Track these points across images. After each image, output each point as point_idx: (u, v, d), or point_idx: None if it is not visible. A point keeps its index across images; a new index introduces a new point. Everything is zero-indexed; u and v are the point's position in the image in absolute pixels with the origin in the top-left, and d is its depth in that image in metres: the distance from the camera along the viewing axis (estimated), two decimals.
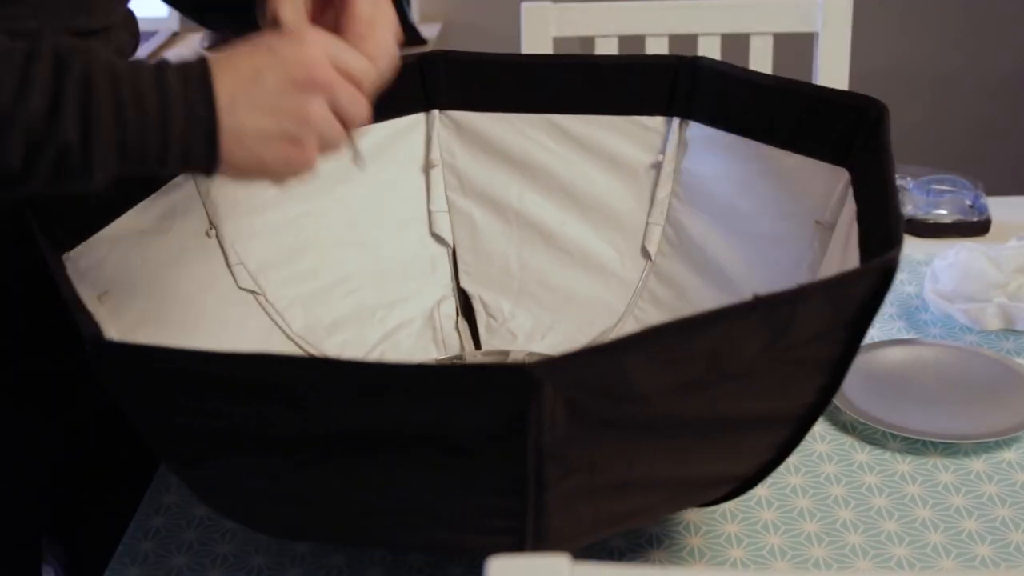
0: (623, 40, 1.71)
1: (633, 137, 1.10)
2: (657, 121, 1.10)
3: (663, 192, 1.10)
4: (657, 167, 1.10)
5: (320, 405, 0.66)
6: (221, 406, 0.68)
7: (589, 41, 1.72)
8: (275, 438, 0.69)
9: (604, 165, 1.11)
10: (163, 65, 0.72)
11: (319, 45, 0.75)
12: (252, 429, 0.68)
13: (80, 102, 0.69)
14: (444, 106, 1.12)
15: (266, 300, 1.03)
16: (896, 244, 0.72)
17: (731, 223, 1.06)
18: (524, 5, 1.68)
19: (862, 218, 0.88)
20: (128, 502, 0.95)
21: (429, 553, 0.86)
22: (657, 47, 1.70)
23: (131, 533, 0.90)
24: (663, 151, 1.10)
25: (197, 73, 0.72)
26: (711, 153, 1.07)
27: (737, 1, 1.69)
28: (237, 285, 1.01)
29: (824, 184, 0.98)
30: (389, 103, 0.98)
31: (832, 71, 1.68)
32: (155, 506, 0.93)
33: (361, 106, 0.77)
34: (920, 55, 2.70)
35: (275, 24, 0.81)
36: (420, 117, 1.12)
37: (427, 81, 1.11)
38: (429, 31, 2.67)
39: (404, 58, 1.09)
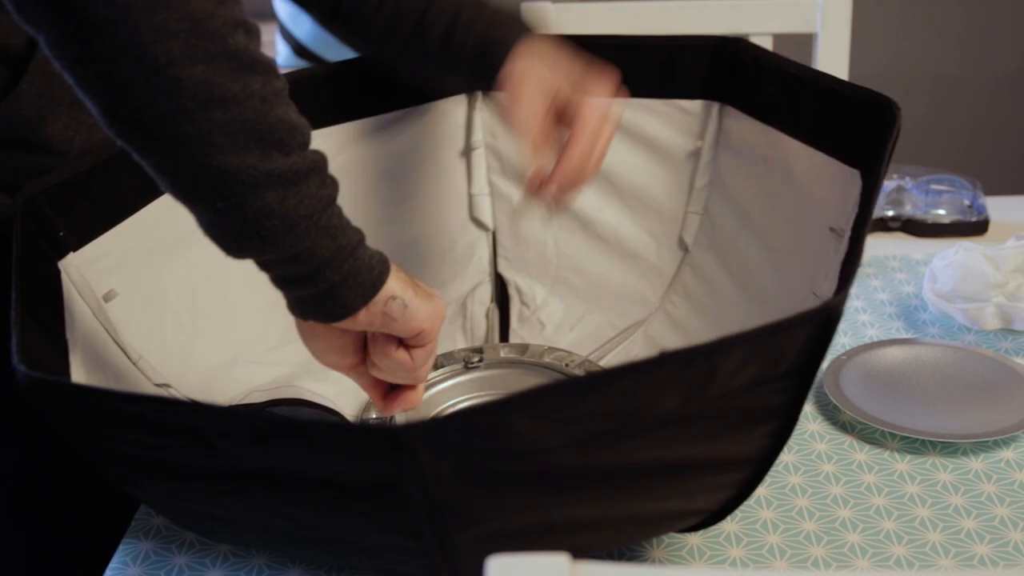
0: None
1: (672, 121, 1.07)
2: (696, 105, 1.07)
3: (702, 181, 1.07)
4: (696, 154, 1.08)
5: (224, 447, 0.66)
6: (140, 439, 0.68)
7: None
8: (193, 469, 0.70)
9: (643, 150, 1.09)
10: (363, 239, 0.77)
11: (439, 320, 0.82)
12: (171, 461, 0.69)
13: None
14: (486, 88, 1.10)
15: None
16: (842, 290, 0.67)
17: (757, 219, 1.03)
18: (524, 5, 1.68)
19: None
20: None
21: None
22: None
23: (131, 533, 0.90)
24: (702, 137, 1.07)
25: (381, 268, 0.77)
26: (744, 143, 1.05)
27: (737, 1, 1.69)
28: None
29: (842, 189, 0.93)
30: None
31: (831, 72, 1.68)
32: None
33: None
34: (919, 56, 2.70)
35: (509, 124, 0.91)
36: (462, 98, 1.10)
37: None
38: None
39: None
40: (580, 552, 0.76)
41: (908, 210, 1.34)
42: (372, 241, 0.99)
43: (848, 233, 0.88)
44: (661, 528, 0.80)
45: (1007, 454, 0.96)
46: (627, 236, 1.10)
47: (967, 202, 1.35)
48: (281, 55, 2.47)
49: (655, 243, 1.10)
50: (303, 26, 2.42)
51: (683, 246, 1.09)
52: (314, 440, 0.62)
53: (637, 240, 1.10)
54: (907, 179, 1.39)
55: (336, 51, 2.44)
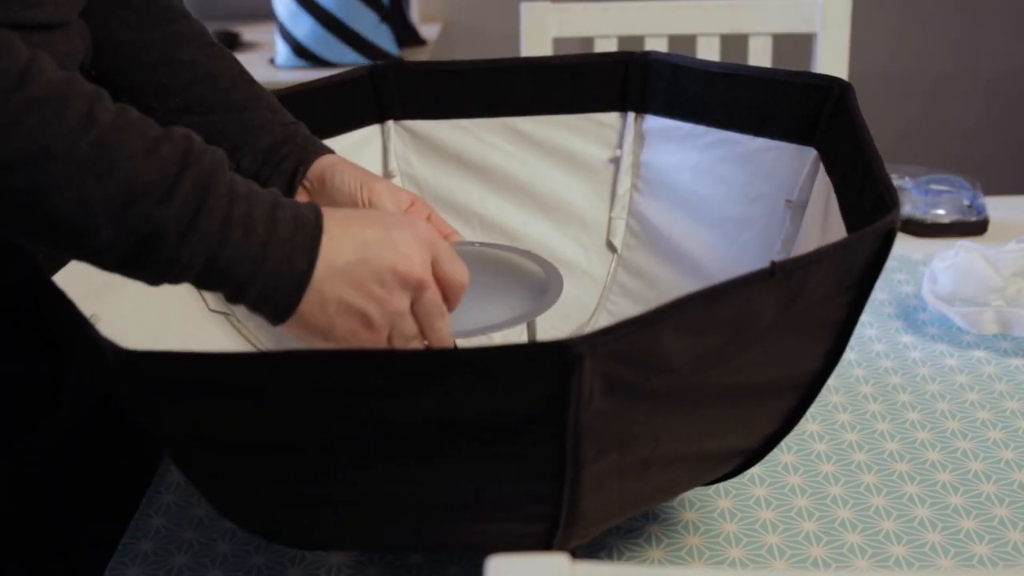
0: (622, 40, 1.71)
1: (589, 134, 1.11)
2: (612, 117, 1.11)
3: (623, 187, 1.11)
4: (615, 162, 1.11)
5: (356, 400, 0.65)
6: (255, 411, 0.67)
7: (588, 41, 1.72)
8: (311, 441, 0.68)
9: (562, 164, 1.12)
10: (279, 201, 0.72)
11: (428, 243, 0.76)
12: (287, 434, 0.68)
13: (193, 200, 0.68)
14: (398, 116, 1.11)
15: (237, 320, 1.03)
16: (893, 207, 0.74)
17: (697, 210, 1.07)
18: (523, 5, 1.68)
19: (842, 191, 0.89)
20: (123, 515, 0.94)
21: (459, 551, 0.86)
22: (656, 47, 1.70)
23: (131, 533, 0.90)
24: (620, 146, 1.11)
25: (310, 225, 0.72)
26: (671, 144, 1.08)
27: (736, 1, 1.69)
28: (208, 307, 1.01)
29: (791, 164, 0.99)
30: (343, 116, 0.98)
31: (831, 71, 1.68)
32: (155, 506, 0.93)
33: (440, 317, 0.78)
34: (919, 55, 2.70)
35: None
36: (375, 129, 1.11)
37: (380, 92, 1.10)
38: (429, 31, 2.68)
39: (355, 71, 1.10)
40: (655, 499, 0.81)
41: (907, 210, 1.34)
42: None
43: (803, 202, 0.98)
44: (716, 470, 0.82)
45: (1007, 454, 0.96)
46: (555, 246, 1.12)
47: (966, 202, 1.35)
48: (281, 55, 2.46)
49: (584, 251, 1.12)
50: (303, 26, 2.42)
51: (612, 249, 1.12)
52: (482, 364, 0.63)
53: (566, 249, 1.12)
54: (906, 179, 1.39)
55: (335, 52, 2.44)
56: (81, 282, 0.88)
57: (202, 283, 0.71)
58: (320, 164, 0.94)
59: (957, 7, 2.65)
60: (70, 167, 0.65)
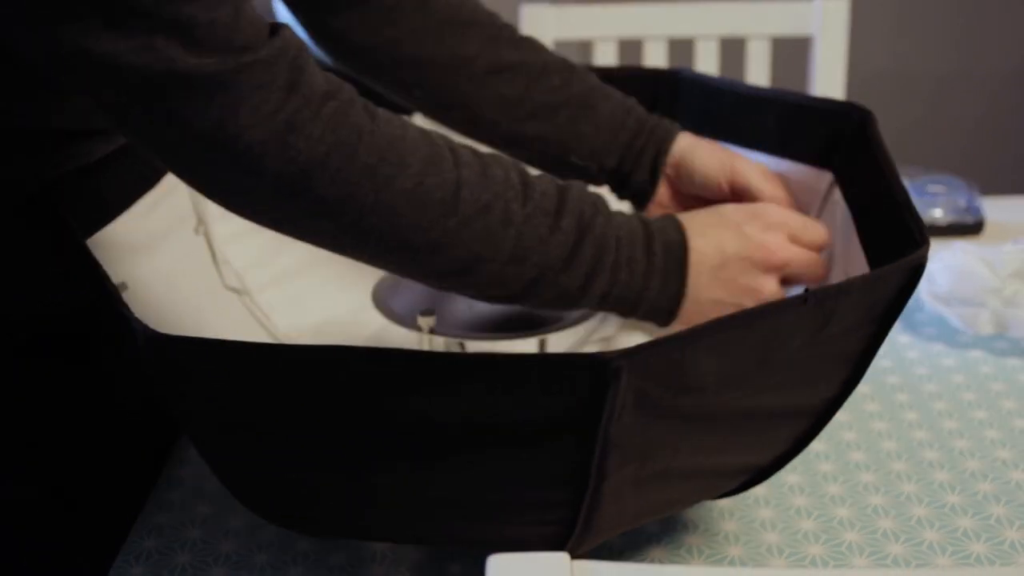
0: (621, 43, 1.72)
1: None
2: None
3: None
4: None
5: (387, 399, 0.65)
6: (282, 403, 0.67)
7: (588, 44, 1.73)
8: (335, 435, 0.69)
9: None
10: (650, 232, 0.85)
11: (780, 225, 0.89)
12: (312, 427, 0.68)
13: (591, 262, 0.82)
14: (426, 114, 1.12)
15: (251, 301, 1.03)
16: (924, 242, 0.74)
17: None
18: (524, 6, 1.69)
19: (862, 220, 0.89)
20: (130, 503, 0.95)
21: (474, 548, 0.87)
22: (655, 50, 1.71)
23: (135, 531, 0.91)
24: None
25: (676, 248, 0.86)
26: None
27: (735, 4, 1.70)
28: (224, 283, 1.02)
29: (807, 186, 1.00)
30: None
31: (829, 74, 1.69)
32: (159, 504, 0.94)
33: (817, 268, 0.91)
34: (916, 57, 2.71)
35: (737, 188, 0.96)
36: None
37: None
38: None
39: None
40: (667, 508, 0.82)
41: None
42: (317, 257, 0.97)
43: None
44: (726, 484, 0.83)
45: (1003, 453, 0.97)
46: None
47: (963, 203, 1.35)
48: None
49: None
50: None
51: None
52: (521, 374, 0.63)
53: None
54: (904, 180, 1.40)
55: None
56: (107, 247, 0.89)
57: (594, 308, 0.86)
58: (677, 148, 0.98)
59: (956, 8, 2.66)
60: (496, 265, 0.79)
